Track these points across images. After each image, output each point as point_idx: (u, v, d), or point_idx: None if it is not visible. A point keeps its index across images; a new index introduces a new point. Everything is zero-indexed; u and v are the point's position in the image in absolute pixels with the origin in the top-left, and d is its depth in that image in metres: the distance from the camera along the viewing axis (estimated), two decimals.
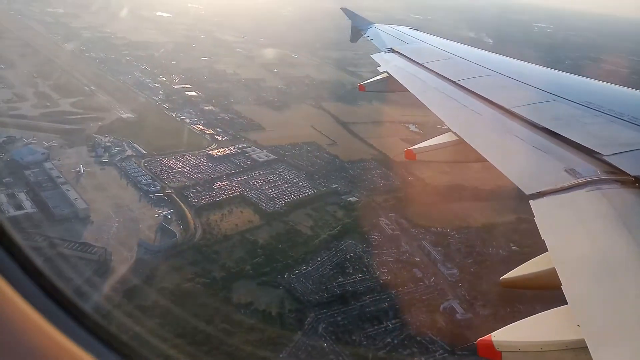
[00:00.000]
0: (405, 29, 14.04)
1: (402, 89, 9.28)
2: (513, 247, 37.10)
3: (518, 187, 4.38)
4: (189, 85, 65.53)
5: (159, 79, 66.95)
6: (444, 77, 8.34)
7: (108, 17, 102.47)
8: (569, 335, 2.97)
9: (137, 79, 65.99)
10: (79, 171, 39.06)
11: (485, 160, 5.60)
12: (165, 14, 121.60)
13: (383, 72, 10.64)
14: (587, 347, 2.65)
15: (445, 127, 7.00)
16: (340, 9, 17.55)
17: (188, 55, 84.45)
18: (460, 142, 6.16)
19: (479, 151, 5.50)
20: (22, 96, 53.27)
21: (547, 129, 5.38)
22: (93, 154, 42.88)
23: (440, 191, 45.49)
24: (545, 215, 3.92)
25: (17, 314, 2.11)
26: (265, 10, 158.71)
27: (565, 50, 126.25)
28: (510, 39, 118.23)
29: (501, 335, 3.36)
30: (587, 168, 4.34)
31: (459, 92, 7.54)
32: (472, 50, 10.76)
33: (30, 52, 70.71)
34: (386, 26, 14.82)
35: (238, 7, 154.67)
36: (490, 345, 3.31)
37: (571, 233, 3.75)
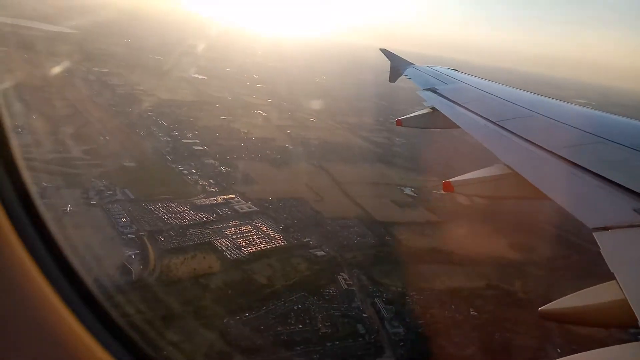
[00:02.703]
0: (444, 69, 14.22)
1: (447, 125, 9.27)
2: (472, 312, 36.46)
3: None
4: (197, 141, 69.54)
5: (172, 133, 71.48)
6: (485, 118, 8.32)
7: (147, 77, 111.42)
8: None
9: (151, 132, 70.83)
10: (65, 210, 42.02)
11: (529, 197, 5.66)
12: (200, 76, 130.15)
13: (427, 108, 10.58)
14: None
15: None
16: (380, 49, 18.12)
17: (208, 114, 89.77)
18: (508, 176, 6.00)
19: (535, 185, 5.40)
20: (40, 142, 58.26)
21: (596, 173, 5.29)
22: (85, 196, 46.11)
23: (414, 252, 45.60)
24: (615, 248, 3.86)
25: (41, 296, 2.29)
26: (299, 77, 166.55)
27: None
28: None
29: None
30: None
31: (503, 132, 7.44)
32: (513, 91, 10.77)
33: (63, 104, 77.60)
34: (425, 66, 15.03)
35: (272, 72, 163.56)
36: None
37: None
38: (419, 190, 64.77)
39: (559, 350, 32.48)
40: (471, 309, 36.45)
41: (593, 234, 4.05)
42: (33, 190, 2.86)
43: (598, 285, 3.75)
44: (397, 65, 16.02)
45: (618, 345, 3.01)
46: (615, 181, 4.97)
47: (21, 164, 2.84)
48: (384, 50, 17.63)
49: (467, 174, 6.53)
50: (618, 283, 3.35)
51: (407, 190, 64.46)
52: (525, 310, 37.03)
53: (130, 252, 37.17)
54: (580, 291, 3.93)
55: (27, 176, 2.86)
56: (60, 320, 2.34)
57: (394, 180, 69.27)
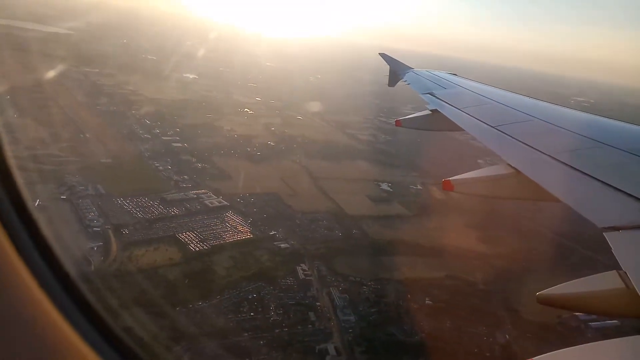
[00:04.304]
0: (443, 74, 14.32)
1: (446, 128, 9.44)
2: (427, 301, 37.10)
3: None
4: (177, 138, 70.40)
5: (153, 131, 72.34)
6: (484, 122, 8.37)
7: (138, 76, 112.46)
8: None
9: (132, 130, 71.70)
10: (34, 205, 42.79)
11: (530, 198, 5.75)
12: (191, 76, 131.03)
13: (427, 110, 10.65)
14: None
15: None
16: (379, 54, 18.23)
17: (194, 112, 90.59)
18: (509, 177, 5.98)
19: (543, 186, 5.43)
20: (19, 140, 58.93)
21: (595, 177, 5.37)
22: (56, 191, 46.97)
23: (379, 244, 46.26)
24: (626, 247, 3.92)
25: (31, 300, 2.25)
26: (293, 76, 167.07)
27: None
28: None
29: None
30: None
31: (503, 136, 7.48)
32: (511, 96, 10.90)
33: (49, 104, 78.63)
34: (424, 71, 15.12)
35: (267, 72, 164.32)
36: None
37: None
38: (396, 186, 65.34)
39: (507, 336, 33.16)
40: (427, 298, 37.05)
41: (603, 233, 4.13)
42: (25, 190, 2.89)
43: (597, 275, 3.87)
44: (396, 70, 16.18)
45: (607, 341, 3.07)
46: (615, 186, 5.06)
47: (12, 163, 2.81)
48: (383, 55, 17.70)
49: (467, 173, 6.51)
50: (623, 279, 3.56)
51: (384, 186, 64.97)
52: (483, 300, 37.70)
53: (93, 245, 37.99)
54: (580, 279, 3.99)
55: (18, 176, 2.86)
56: (52, 322, 2.32)
57: (373, 176, 69.87)
